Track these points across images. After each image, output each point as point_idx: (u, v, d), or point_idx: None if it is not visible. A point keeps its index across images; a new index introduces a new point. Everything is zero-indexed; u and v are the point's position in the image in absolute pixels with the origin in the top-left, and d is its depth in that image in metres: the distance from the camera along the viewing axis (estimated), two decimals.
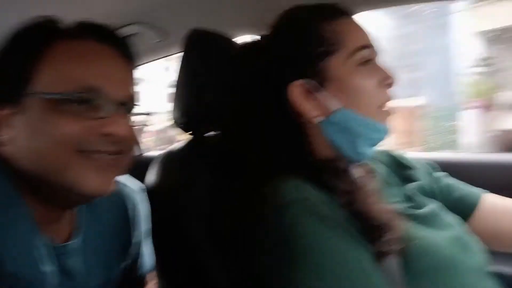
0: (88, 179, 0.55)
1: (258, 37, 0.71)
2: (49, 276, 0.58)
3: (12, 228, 0.53)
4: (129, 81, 0.62)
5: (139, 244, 0.79)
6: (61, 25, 0.60)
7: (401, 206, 0.65)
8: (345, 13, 0.66)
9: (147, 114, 0.66)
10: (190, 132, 0.84)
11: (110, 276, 0.71)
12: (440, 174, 0.81)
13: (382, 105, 0.64)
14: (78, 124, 0.54)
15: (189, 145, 0.77)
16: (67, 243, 0.63)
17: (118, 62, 0.60)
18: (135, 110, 0.63)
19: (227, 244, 0.62)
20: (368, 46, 0.63)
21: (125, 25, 1.17)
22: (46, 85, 0.54)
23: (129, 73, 0.62)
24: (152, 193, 0.75)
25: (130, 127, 0.59)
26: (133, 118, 0.62)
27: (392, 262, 0.55)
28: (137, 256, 0.80)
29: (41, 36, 0.57)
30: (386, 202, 0.61)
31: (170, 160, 0.74)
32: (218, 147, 0.69)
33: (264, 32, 0.69)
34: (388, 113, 0.65)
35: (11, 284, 0.53)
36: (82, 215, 0.67)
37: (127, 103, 0.59)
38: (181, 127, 0.83)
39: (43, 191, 0.57)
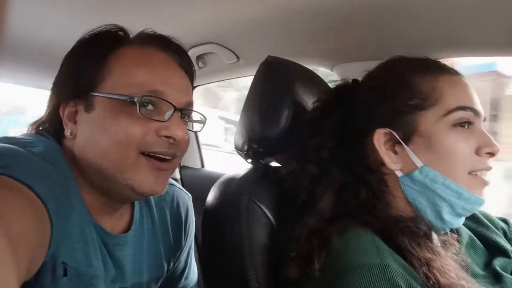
0: (145, 179, 0.58)
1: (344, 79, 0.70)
2: (98, 267, 0.60)
3: (69, 216, 0.54)
4: (188, 89, 0.65)
5: (189, 250, 0.81)
6: (128, 34, 0.65)
7: (486, 283, 0.58)
8: (449, 71, 0.62)
9: (203, 121, 0.69)
10: (250, 161, 0.82)
11: (158, 274, 0.73)
12: None
13: (473, 171, 0.58)
14: (141, 126, 0.57)
15: (252, 172, 0.75)
16: (119, 234, 0.65)
17: (178, 70, 0.64)
18: (192, 117, 0.67)
19: (284, 286, 0.58)
20: (468, 108, 0.58)
21: (199, 44, 1.20)
22: (113, 87, 0.58)
23: (188, 81, 0.65)
24: (210, 214, 0.74)
25: (187, 131, 0.61)
26: (189, 124, 0.66)
27: None
28: (185, 263, 0.82)
29: (110, 42, 0.62)
30: (469, 272, 0.54)
31: (232, 185, 0.72)
32: (284, 180, 0.66)
33: (334, 66, 0.67)
34: (482, 181, 0.59)
35: (63, 274, 0.55)
36: (138, 211, 0.69)
37: (186, 109, 0.62)
38: (241, 154, 0.81)
39: (100, 184, 0.59)
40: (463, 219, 0.61)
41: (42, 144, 0.58)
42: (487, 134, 0.59)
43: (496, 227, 0.71)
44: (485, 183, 0.59)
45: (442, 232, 0.61)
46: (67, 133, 0.60)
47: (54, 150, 0.59)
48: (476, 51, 0.94)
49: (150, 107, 0.58)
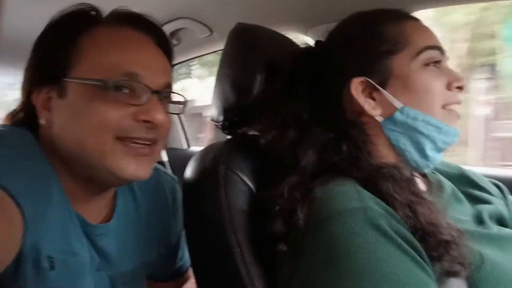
0: (125, 165, 0.56)
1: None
2: (84, 256, 0.59)
3: (47, 208, 0.53)
4: (166, 70, 0.62)
5: (179, 233, 0.80)
6: (100, 13, 0.61)
7: (469, 225, 0.59)
8: (411, 17, 0.65)
9: (184, 102, 0.66)
10: (227, 131, 0.81)
11: (146, 259, 0.72)
12: None
13: (446, 105, 0.61)
14: (117, 111, 0.55)
15: (230, 142, 0.74)
16: (102, 223, 0.63)
17: (155, 50, 0.61)
18: (172, 98, 0.64)
19: (266, 248, 0.58)
20: (436, 47, 0.61)
21: (171, 20, 1.17)
22: (85, 71, 0.55)
23: (166, 61, 0.62)
24: (189, 187, 0.73)
25: (167, 114, 0.59)
26: (170, 106, 0.63)
27: (459, 286, 0.49)
28: (178, 245, 0.81)
29: (81, 22, 0.58)
30: (452, 219, 0.55)
31: (209, 156, 0.72)
32: (262, 145, 0.66)
33: (309, 30, 0.67)
34: (456, 114, 0.62)
35: (50, 267, 0.54)
36: (121, 198, 0.68)
37: (164, 91, 0.59)
38: (219, 125, 0.80)
39: (80, 172, 0.58)
40: (442, 155, 0.63)
41: (15, 136, 0.56)
42: (454, 70, 0.62)
43: (488, 189, 0.71)
44: (458, 116, 0.62)
45: (426, 170, 0.63)
46: (42, 121, 0.58)
47: (28, 141, 0.57)
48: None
49: (125, 90, 0.55)
